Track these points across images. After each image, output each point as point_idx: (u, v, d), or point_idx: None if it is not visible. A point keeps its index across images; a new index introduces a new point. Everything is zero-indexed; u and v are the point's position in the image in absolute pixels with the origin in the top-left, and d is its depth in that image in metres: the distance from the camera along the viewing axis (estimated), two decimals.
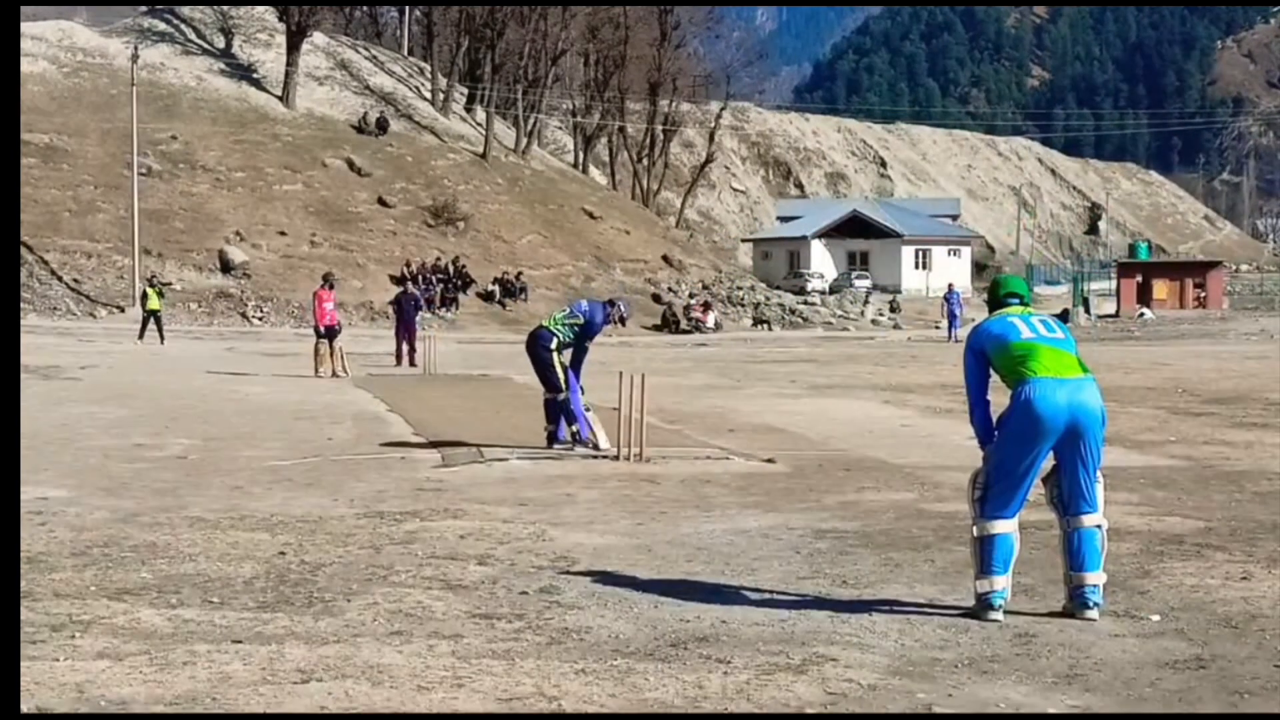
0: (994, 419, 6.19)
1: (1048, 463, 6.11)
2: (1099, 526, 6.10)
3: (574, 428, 12.41)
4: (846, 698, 4.86)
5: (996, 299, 6.44)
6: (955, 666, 5.27)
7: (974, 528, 6.12)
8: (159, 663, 5.20)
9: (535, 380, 13.01)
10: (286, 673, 5.08)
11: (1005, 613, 6.05)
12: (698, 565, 7.27)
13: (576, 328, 12.56)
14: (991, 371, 6.24)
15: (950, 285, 51.07)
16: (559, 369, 12.41)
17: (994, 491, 6.06)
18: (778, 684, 5.00)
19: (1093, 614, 6.00)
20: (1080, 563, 6.04)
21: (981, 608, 6.03)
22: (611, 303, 13.29)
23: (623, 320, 13.52)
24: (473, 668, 5.18)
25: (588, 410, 12.52)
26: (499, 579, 6.85)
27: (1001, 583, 6.02)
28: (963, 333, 44.19)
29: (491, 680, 5.02)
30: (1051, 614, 6.10)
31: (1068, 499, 6.08)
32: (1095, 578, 6.05)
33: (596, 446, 12.10)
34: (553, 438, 12.39)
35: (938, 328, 53.40)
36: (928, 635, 5.76)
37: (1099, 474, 6.11)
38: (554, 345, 12.47)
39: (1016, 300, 6.39)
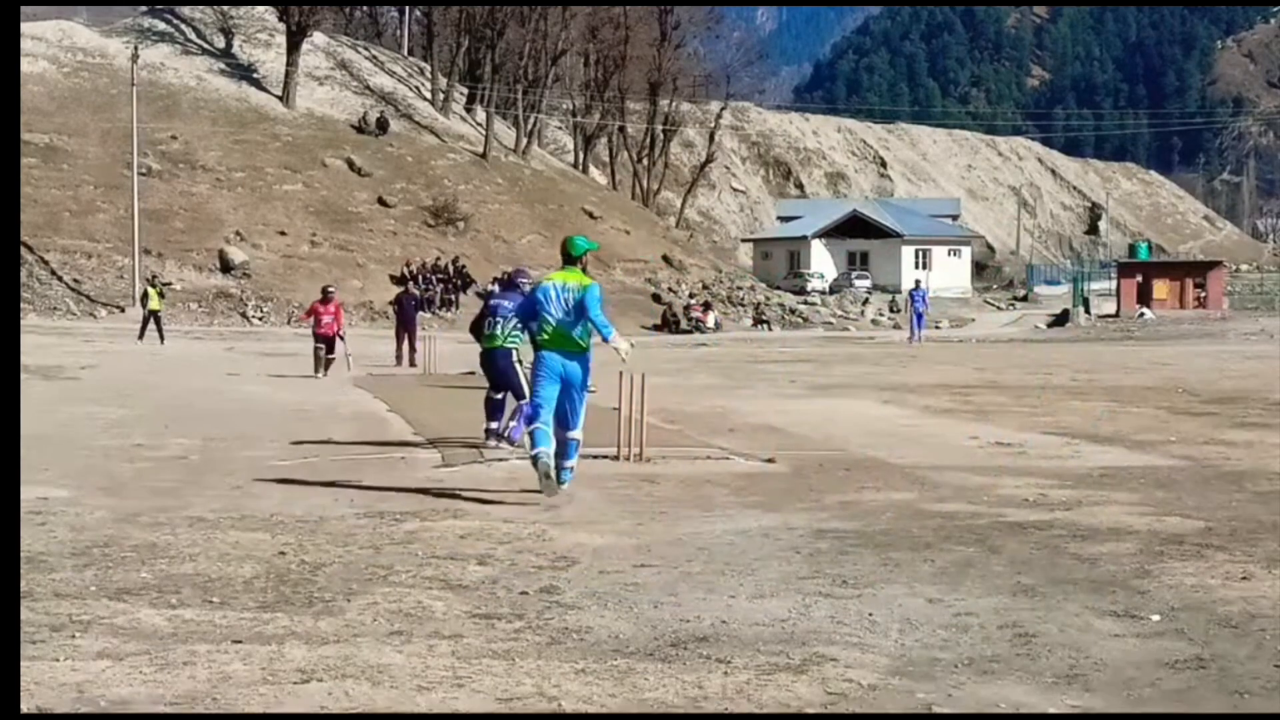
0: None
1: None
2: (578, 440, 9.66)
3: (511, 423, 12.67)
4: (846, 698, 4.85)
5: (563, 253, 9.75)
6: (955, 666, 5.27)
7: (525, 430, 9.46)
8: (159, 663, 5.19)
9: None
10: (286, 673, 5.08)
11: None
12: (698, 565, 7.26)
13: (520, 330, 12.98)
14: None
15: (917, 282, 49.68)
16: (524, 376, 12.91)
17: (539, 409, 9.34)
18: (778, 684, 4.99)
19: (561, 482, 9.45)
20: (563, 451, 9.49)
21: (541, 472, 9.28)
22: (516, 285, 13.55)
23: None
24: (473, 668, 5.18)
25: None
26: (499, 579, 6.84)
27: (546, 447, 9.23)
28: (926, 334, 42.99)
29: (491, 680, 5.01)
30: (1051, 614, 6.10)
31: (561, 418, 9.46)
32: (571, 436, 9.58)
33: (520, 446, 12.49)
34: (491, 434, 12.86)
35: (937, 327, 53.21)
36: (928, 635, 5.75)
37: (580, 416, 9.62)
38: (515, 357, 13.17)
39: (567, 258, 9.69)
